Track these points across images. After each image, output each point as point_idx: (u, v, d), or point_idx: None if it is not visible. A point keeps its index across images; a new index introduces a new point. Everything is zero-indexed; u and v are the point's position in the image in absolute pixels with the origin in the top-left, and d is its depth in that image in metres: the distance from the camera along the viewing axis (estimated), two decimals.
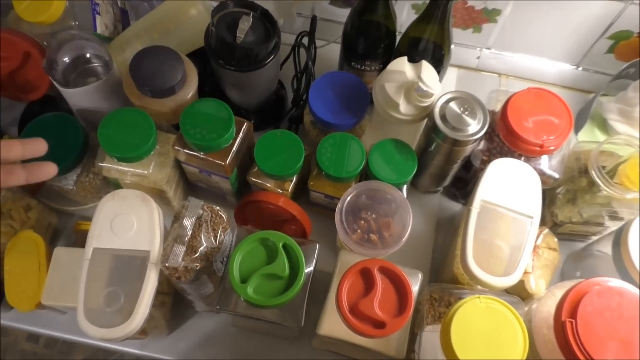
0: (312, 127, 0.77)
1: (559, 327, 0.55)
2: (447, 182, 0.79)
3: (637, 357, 0.53)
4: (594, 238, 0.79)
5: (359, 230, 0.67)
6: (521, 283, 0.72)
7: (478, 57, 0.93)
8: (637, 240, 0.64)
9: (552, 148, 0.66)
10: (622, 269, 0.64)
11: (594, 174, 0.68)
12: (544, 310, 0.60)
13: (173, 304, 0.73)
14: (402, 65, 0.67)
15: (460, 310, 0.56)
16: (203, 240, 0.61)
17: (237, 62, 0.68)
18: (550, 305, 0.60)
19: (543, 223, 0.78)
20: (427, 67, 0.67)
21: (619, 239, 0.66)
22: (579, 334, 0.54)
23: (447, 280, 0.71)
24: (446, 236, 0.80)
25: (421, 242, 0.79)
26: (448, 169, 0.74)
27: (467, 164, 0.74)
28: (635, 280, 0.62)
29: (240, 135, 0.68)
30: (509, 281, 0.60)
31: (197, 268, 0.60)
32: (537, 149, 0.66)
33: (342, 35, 0.77)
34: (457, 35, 0.89)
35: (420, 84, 0.65)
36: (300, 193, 0.76)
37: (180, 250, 0.60)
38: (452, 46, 0.74)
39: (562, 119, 0.68)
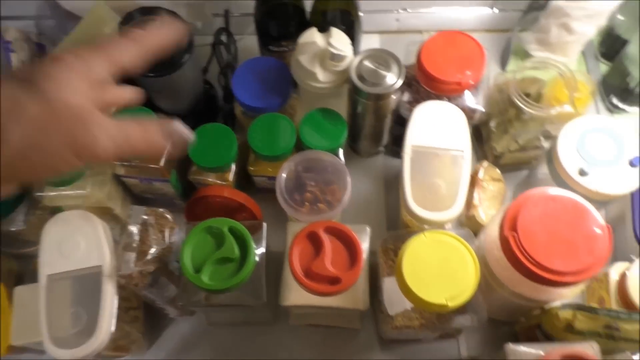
0: (243, 117, 0.78)
1: (505, 243, 0.57)
2: (384, 141, 0.81)
3: (579, 254, 0.55)
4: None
5: (307, 203, 0.68)
6: (472, 217, 0.73)
7: (397, 20, 0.95)
8: (566, 150, 0.66)
9: (470, 82, 0.68)
10: (559, 180, 0.66)
11: (515, 100, 0.70)
12: (492, 234, 0.62)
13: (146, 317, 0.73)
14: (312, 36, 0.69)
15: (408, 250, 0.57)
16: (152, 243, 0.62)
17: (154, 68, 0.69)
18: (496, 227, 0.61)
19: (485, 158, 0.81)
20: (336, 33, 0.69)
21: (551, 154, 0.68)
22: (523, 244, 0.56)
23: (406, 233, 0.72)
24: (396, 192, 0.81)
25: (372, 202, 0.81)
26: (381, 127, 0.76)
27: (401, 119, 0.76)
28: (570, 186, 0.64)
29: None
30: (451, 214, 0.62)
31: (152, 270, 0.61)
32: (457, 86, 0.68)
33: (255, 23, 0.79)
34: (370, 2, 0.91)
35: (331, 49, 0.66)
36: (247, 184, 0.78)
37: (131, 257, 0.61)
38: (361, 14, 0.76)
39: (475, 55, 0.70)
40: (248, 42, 0.88)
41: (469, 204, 0.75)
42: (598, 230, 0.55)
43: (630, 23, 0.85)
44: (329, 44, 0.67)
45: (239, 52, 0.87)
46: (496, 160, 0.79)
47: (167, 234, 0.64)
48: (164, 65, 0.70)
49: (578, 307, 0.59)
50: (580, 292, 0.62)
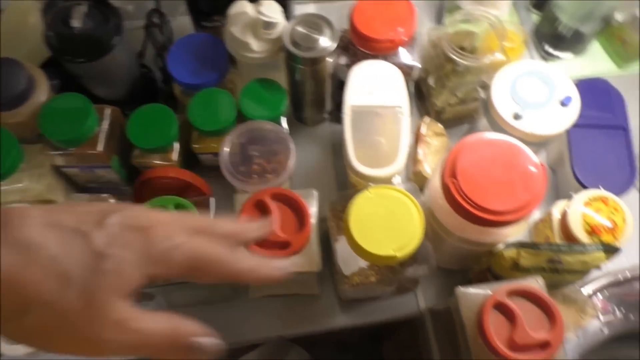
0: (183, 96, 0.77)
1: (446, 190, 0.59)
2: (328, 107, 0.82)
3: (517, 193, 0.56)
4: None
5: (255, 176, 0.68)
6: (419, 172, 0.75)
7: None
8: (499, 96, 0.67)
9: (403, 39, 0.69)
10: (496, 126, 0.68)
11: (449, 53, 0.71)
12: (435, 184, 0.63)
13: None
14: (242, 6, 0.69)
15: (353, 207, 0.58)
16: None
17: (84, 53, 0.68)
18: (438, 177, 0.63)
19: (427, 114, 0.82)
20: (266, 1, 0.69)
21: (487, 102, 0.70)
22: (463, 189, 0.57)
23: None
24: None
25: (321, 168, 0.82)
26: (321, 93, 0.76)
27: (341, 84, 0.76)
28: (507, 131, 0.66)
29: (105, 120, 0.68)
30: (393, 169, 0.63)
31: None
32: (390, 44, 0.69)
33: (186, 1, 0.77)
34: None
35: (262, 17, 0.66)
36: (193, 163, 0.77)
37: None
38: None
39: (406, 12, 0.71)
40: (182, 22, 0.87)
41: (414, 159, 0.77)
42: (533, 169, 0.57)
43: None
44: (260, 12, 0.66)
45: (174, 32, 0.85)
46: (438, 116, 0.81)
47: None
48: (93, 50, 0.68)
49: (521, 245, 0.61)
50: (524, 231, 0.64)
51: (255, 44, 0.69)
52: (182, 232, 0.38)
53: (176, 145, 0.72)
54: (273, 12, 0.67)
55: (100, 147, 0.66)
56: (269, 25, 0.67)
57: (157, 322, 0.36)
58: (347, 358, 1.41)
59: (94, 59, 0.69)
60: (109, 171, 0.71)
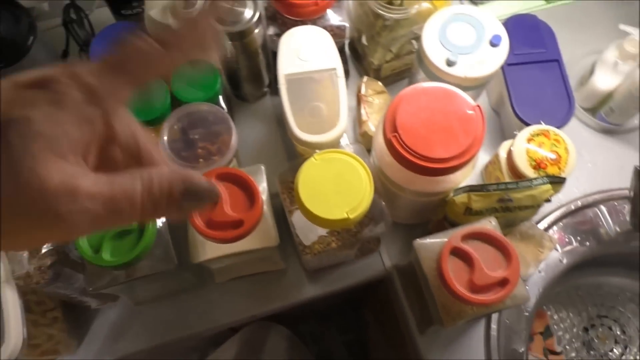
0: None
1: (390, 146, 0.58)
2: (266, 81, 0.80)
3: (457, 137, 0.57)
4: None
5: (201, 160, 0.66)
6: (365, 133, 0.75)
7: None
8: (430, 45, 0.67)
9: (328, 0, 0.68)
10: (432, 75, 0.68)
11: (376, 9, 0.70)
12: (379, 141, 0.63)
13: (67, 315, 0.71)
14: None
15: (301, 176, 0.58)
16: None
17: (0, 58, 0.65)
18: (381, 134, 0.62)
19: (367, 74, 0.81)
20: None
21: (420, 53, 0.69)
22: (405, 142, 0.57)
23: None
24: None
25: (269, 143, 0.81)
26: (256, 67, 0.75)
27: (275, 55, 0.75)
28: (442, 78, 0.66)
29: None
30: (336, 132, 0.63)
31: (50, 264, 0.58)
32: (315, 7, 0.68)
33: None
34: None
35: None
36: None
37: (23, 255, 0.58)
38: None
39: None
40: (101, 13, 0.84)
41: (359, 120, 0.77)
42: (470, 112, 0.58)
43: None
44: None
45: (95, 25, 0.82)
46: (377, 74, 0.81)
47: None
48: (9, 54, 0.65)
49: (470, 189, 0.62)
50: (471, 175, 0.64)
51: (177, 25, 0.66)
52: None
53: None
54: None
55: None
56: (187, 4, 0.65)
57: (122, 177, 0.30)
58: (330, 328, 1.43)
59: (12, 64, 0.66)
60: None
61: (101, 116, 0.31)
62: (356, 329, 1.41)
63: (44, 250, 0.58)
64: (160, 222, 0.62)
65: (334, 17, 0.72)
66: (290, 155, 0.81)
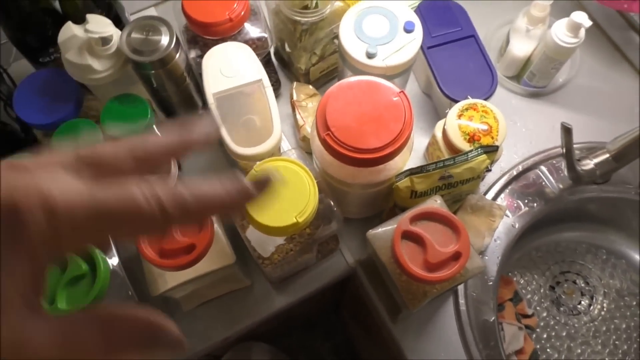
0: (46, 138, 0.74)
1: (325, 145, 0.59)
2: (199, 102, 0.80)
3: (388, 125, 0.58)
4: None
5: None
6: (304, 137, 0.76)
7: None
8: (348, 40, 0.68)
9: (242, 14, 0.69)
10: (355, 70, 0.70)
11: (291, 16, 0.71)
12: (316, 142, 0.64)
13: None
14: (69, 30, 0.65)
15: None
16: None
17: None
18: (315, 134, 0.64)
19: (297, 80, 0.82)
20: (92, 18, 0.66)
21: (340, 49, 0.71)
22: (339, 138, 0.58)
23: None
24: None
25: (212, 162, 0.81)
26: (185, 91, 0.75)
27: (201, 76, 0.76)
28: (366, 71, 0.68)
29: None
30: (271, 141, 0.64)
31: None
32: (230, 23, 0.69)
33: (13, 44, 0.73)
34: None
35: (90, 35, 0.64)
36: None
37: None
38: None
39: None
40: (20, 66, 0.82)
41: (297, 126, 0.78)
42: (395, 98, 0.59)
43: None
44: (89, 30, 0.64)
45: (16, 77, 0.81)
46: (306, 78, 0.82)
47: None
48: None
49: (410, 173, 0.63)
50: (410, 158, 0.66)
51: (97, 64, 0.66)
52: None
53: None
54: (102, 27, 0.65)
55: None
56: (103, 41, 0.64)
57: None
58: (315, 336, 1.43)
59: None
60: None
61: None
62: (340, 331, 1.41)
63: None
64: (114, 261, 0.62)
65: (252, 30, 0.73)
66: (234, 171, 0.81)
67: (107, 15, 0.69)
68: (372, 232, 0.62)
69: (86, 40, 0.65)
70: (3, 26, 0.70)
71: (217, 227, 0.64)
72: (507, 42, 0.82)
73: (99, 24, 0.65)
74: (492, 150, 0.65)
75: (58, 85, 0.71)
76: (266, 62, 0.78)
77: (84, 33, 0.64)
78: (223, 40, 0.71)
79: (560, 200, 0.79)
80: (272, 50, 0.83)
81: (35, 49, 0.73)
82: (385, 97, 0.59)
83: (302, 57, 0.78)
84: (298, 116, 0.76)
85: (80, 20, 0.67)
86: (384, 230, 0.61)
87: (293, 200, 0.58)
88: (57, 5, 0.72)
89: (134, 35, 0.66)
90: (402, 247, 0.57)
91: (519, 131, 0.83)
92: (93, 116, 0.75)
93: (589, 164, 0.72)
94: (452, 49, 0.78)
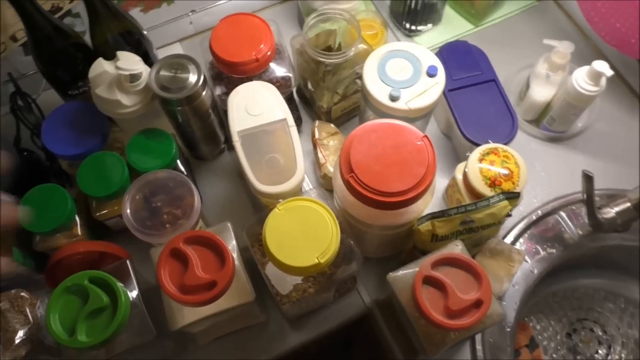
0: (72, 168, 0.75)
1: (349, 186, 0.60)
2: (222, 138, 0.82)
3: (412, 168, 0.59)
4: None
5: (168, 225, 0.67)
6: (325, 175, 0.76)
7: (191, 23, 0.95)
8: (372, 83, 0.70)
9: (268, 54, 0.71)
10: (378, 111, 0.71)
11: (315, 57, 0.73)
12: (339, 183, 0.64)
13: None
14: (100, 66, 0.67)
15: (267, 228, 0.58)
16: (16, 327, 0.58)
17: None
18: (339, 175, 0.64)
19: (318, 118, 0.84)
20: (123, 55, 0.68)
21: (364, 92, 0.72)
22: (363, 181, 0.59)
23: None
24: None
25: (234, 197, 0.82)
26: (209, 127, 0.76)
27: (226, 113, 0.77)
28: (389, 113, 0.69)
29: None
30: (295, 181, 0.64)
31: (24, 354, 0.57)
32: (257, 63, 0.70)
33: (43, 76, 0.75)
34: (159, 15, 0.90)
35: (121, 72, 0.65)
36: (103, 230, 0.75)
37: None
38: (145, 31, 0.76)
39: (262, 29, 0.72)
40: (48, 96, 0.84)
41: (319, 164, 0.78)
42: (419, 142, 0.60)
43: None
44: (118, 67, 0.65)
45: (44, 108, 0.82)
46: (328, 116, 0.83)
47: (28, 312, 0.60)
48: None
49: (432, 217, 0.64)
50: (432, 201, 0.66)
51: (125, 99, 0.68)
52: None
53: (78, 219, 0.70)
54: (132, 64, 0.66)
55: None
56: (132, 77, 0.66)
57: None
58: None
59: None
60: (13, 264, 0.67)
61: None
62: None
63: (17, 341, 0.57)
64: (133, 294, 0.62)
65: (278, 69, 0.74)
66: (255, 206, 0.81)
67: (136, 52, 0.71)
68: (392, 275, 0.62)
69: (116, 76, 0.67)
70: (35, 59, 0.72)
71: (238, 264, 0.64)
72: (527, 86, 0.83)
73: (129, 61, 0.66)
74: (513, 197, 0.65)
75: (86, 118, 0.72)
76: (288, 99, 0.80)
77: (114, 69, 0.66)
78: (248, 78, 0.73)
79: (579, 247, 0.78)
80: (293, 88, 0.84)
81: (65, 82, 0.75)
82: (409, 140, 0.60)
83: (324, 96, 0.79)
84: (320, 154, 0.77)
85: (110, 56, 0.68)
86: (405, 273, 0.61)
87: (315, 240, 0.58)
88: (87, 39, 0.75)
89: (163, 72, 0.68)
90: (423, 292, 0.57)
91: (538, 175, 0.83)
92: (118, 148, 0.77)
93: (610, 212, 0.72)
94: (473, 92, 0.79)
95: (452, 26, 0.95)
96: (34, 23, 0.66)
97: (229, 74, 0.72)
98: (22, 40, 0.74)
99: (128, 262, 0.64)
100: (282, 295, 0.65)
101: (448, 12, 0.97)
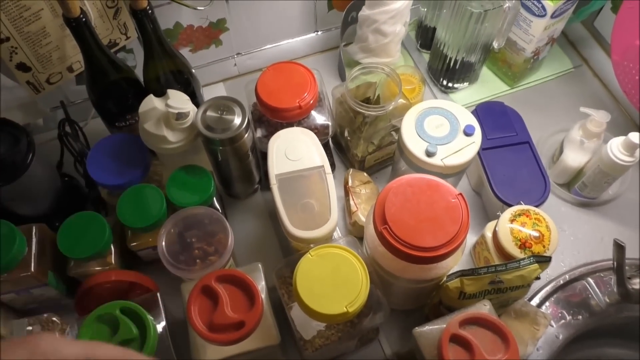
0: (111, 197, 0.77)
1: (381, 237, 0.61)
2: (257, 178, 0.84)
3: (445, 225, 0.59)
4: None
5: (198, 260, 0.68)
6: (355, 223, 0.77)
7: (235, 65, 0.99)
8: (409, 137, 0.71)
9: (310, 103, 0.73)
10: (413, 165, 0.72)
11: (355, 107, 0.75)
12: (370, 232, 0.65)
13: None
14: (150, 102, 0.70)
15: (298, 272, 0.59)
16: None
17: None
18: (371, 226, 0.65)
19: (352, 166, 0.85)
20: (173, 93, 0.71)
21: (400, 145, 0.74)
22: (396, 233, 0.60)
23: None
24: None
25: (264, 238, 0.83)
26: (247, 167, 0.78)
27: (264, 155, 0.79)
28: (424, 168, 0.70)
29: (33, 239, 0.67)
30: (328, 227, 0.65)
31: None
32: (299, 110, 0.73)
33: (93, 106, 0.78)
34: (206, 55, 0.94)
35: (170, 110, 0.68)
36: (134, 260, 0.76)
37: None
38: (194, 70, 0.80)
39: (306, 77, 0.75)
40: (95, 124, 0.88)
41: (349, 211, 0.80)
42: (453, 200, 0.61)
43: (431, 12, 0.95)
44: (169, 105, 0.68)
45: (89, 136, 0.86)
46: (361, 165, 0.85)
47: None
48: (8, 172, 0.68)
49: (462, 274, 0.64)
50: (461, 258, 0.67)
51: (171, 135, 0.70)
52: None
53: (113, 248, 0.71)
54: (181, 103, 0.69)
55: (32, 268, 0.64)
56: (180, 115, 0.69)
57: None
58: None
59: (11, 181, 0.68)
60: (47, 289, 0.69)
61: None
62: None
63: None
64: (160, 327, 0.63)
65: (318, 117, 0.77)
66: (284, 248, 0.82)
67: (185, 90, 0.74)
68: (418, 330, 0.62)
69: (164, 113, 0.70)
70: (89, 90, 0.75)
71: (265, 305, 0.65)
72: (561, 150, 0.84)
73: (179, 100, 0.69)
74: (544, 261, 0.65)
75: (130, 150, 0.75)
76: (324, 146, 0.82)
77: (164, 107, 0.69)
78: (289, 124, 0.75)
79: (606, 315, 0.77)
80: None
81: (114, 113, 0.78)
82: (444, 197, 0.61)
83: (360, 145, 0.81)
84: (351, 202, 0.78)
85: (160, 92, 0.72)
86: (431, 329, 0.61)
87: (344, 288, 0.59)
88: (138, 74, 0.78)
89: (209, 113, 0.70)
90: (450, 350, 0.57)
91: (567, 239, 0.83)
92: (156, 180, 0.79)
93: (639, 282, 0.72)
94: (506, 152, 0.80)
95: (488, 86, 0.98)
96: (92, 55, 0.70)
97: (271, 118, 0.75)
98: (78, 71, 0.78)
99: (158, 294, 0.65)
100: (305, 341, 0.65)
101: (485, 72, 0.99)
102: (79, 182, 0.86)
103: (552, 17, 0.83)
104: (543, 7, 0.82)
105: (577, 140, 0.81)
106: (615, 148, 0.75)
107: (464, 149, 0.70)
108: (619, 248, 0.69)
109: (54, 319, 0.62)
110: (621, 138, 0.75)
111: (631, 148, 0.74)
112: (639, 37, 0.79)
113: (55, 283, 0.70)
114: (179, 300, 0.67)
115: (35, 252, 0.66)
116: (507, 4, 0.80)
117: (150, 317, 0.60)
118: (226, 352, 0.62)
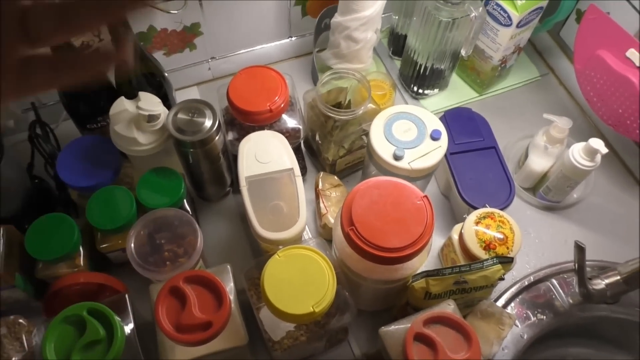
0: (81, 199, 0.77)
1: (348, 238, 0.62)
2: (229, 181, 0.84)
3: (410, 227, 0.61)
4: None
5: (168, 262, 0.68)
6: (325, 225, 0.79)
7: (209, 69, 1.00)
8: (377, 141, 0.73)
9: (281, 106, 0.74)
10: (381, 168, 0.74)
11: (325, 111, 0.76)
12: (338, 234, 0.66)
13: None
14: (121, 105, 0.71)
15: (266, 273, 0.60)
16: (10, 353, 0.59)
17: None
18: (339, 227, 0.66)
19: (323, 169, 0.87)
20: (144, 96, 0.71)
21: (369, 148, 0.75)
22: (363, 235, 0.61)
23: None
24: None
25: (234, 240, 0.84)
26: (218, 169, 0.79)
27: (235, 157, 0.80)
28: (391, 171, 0.72)
29: (1, 241, 0.66)
30: (296, 229, 0.66)
31: None
32: (270, 114, 0.74)
33: (65, 108, 0.78)
34: (180, 59, 0.95)
35: (141, 112, 0.69)
36: (104, 262, 0.76)
37: None
38: (166, 74, 0.80)
39: (277, 82, 0.76)
40: (66, 127, 0.87)
41: (320, 214, 0.81)
42: (419, 202, 0.62)
43: (402, 20, 0.97)
44: (140, 107, 0.69)
45: (61, 138, 0.85)
46: (332, 168, 0.86)
47: (25, 339, 0.61)
48: None
49: (427, 275, 0.65)
50: (427, 259, 0.68)
51: (142, 137, 0.71)
52: None
53: (82, 250, 0.71)
54: (152, 105, 0.70)
55: (1, 267, 0.64)
56: (151, 117, 0.69)
57: None
58: None
59: None
60: (14, 291, 0.68)
61: None
62: None
63: None
64: (128, 328, 0.63)
65: (289, 121, 0.78)
66: (254, 250, 0.83)
67: (157, 93, 0.74)
68: (384, 329, 0.63)
69: (136, 115, 0.70)
70: (59, 92, 0.75)
71: (234, 306, 0.65)
72: (526, 155, 0.86)
73: (150, 102, 0.70)
74: (507, 262, 0.67)
75: (100, 152, 0.75)
76: (296, 149, 0.83)
77: (135, 109, 0.69)
78: (260, 127, 0.76)
79: (569, 315, 0.80)
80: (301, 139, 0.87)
81: (85, 115, 0.78)
82: (409, 199, 0.63)
83: (330, 149, 0.82)
84: (322, 204, 0.79)
85: (131, 95, 0.72)
86: (397, 329, 0.62)
87: (311, 288, 0.60)
88: (110, 76, 0.78)
89: (180, 115, 0.71)
90: (413, 349, 0.58)
91: (532, 242, 0.85)
92: (127, 182, 0.79)
93: (600, 283, 0.74)
94: (474, 157, 0.82)
95: (457, 93, 1.00)
96: None
97: (242, 122, 0.75)
98: None
99: (127, 296, 0.65)
100: (274, 342, 0.66)
101: (455, 79, 1.01)
102: (49, 184, 0.85)
103: (517, 26, 0.85)
104: (509, 16, 0.84)
105: (541, 145, 0.84)
106: (577, 153, 0.78)
107: (430, 153, 0.72)
108: (580, 250, 0.71)
109: (21, 320, 0.62)
110: (582, 143, 0.78)
111: (592, 153, 0.76)
112: (600, 47, 0.82)
113: (23, 285, 0.69)
114: (147, 303, 0.67)
115: (2, 253, 0.66)
116: (473, 13, 0.82)
117: (117, 319, 0.60)
118: (194, 353, 0.62)
